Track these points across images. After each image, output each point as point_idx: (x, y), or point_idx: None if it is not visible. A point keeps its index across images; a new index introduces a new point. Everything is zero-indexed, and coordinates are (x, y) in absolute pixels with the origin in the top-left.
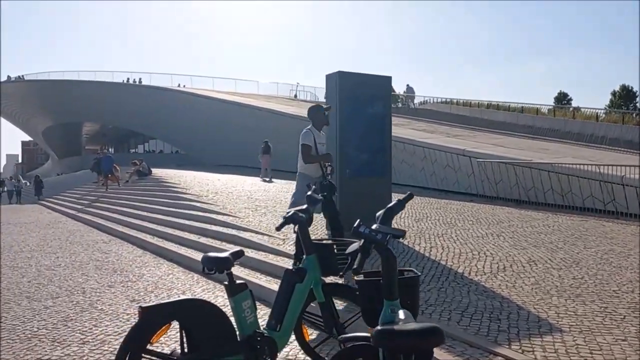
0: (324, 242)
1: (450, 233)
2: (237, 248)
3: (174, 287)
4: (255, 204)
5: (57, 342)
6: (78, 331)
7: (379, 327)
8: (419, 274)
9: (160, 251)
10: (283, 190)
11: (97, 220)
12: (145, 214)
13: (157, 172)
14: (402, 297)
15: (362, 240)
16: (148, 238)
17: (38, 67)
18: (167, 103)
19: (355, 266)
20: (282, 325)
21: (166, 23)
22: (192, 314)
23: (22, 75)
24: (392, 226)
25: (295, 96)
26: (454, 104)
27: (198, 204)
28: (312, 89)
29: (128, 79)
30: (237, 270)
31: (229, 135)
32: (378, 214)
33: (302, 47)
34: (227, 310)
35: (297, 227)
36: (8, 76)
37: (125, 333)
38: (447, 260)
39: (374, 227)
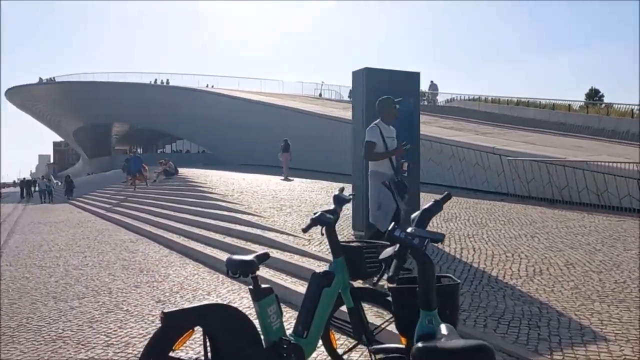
0: (353, 244)
1: (482, 234)
2: (263, 251)
3: (199, 288)
4: (280, 203)
5: (82, 345)
6: (103, 333)
7: (419, 344)
8: (458, 281)
9: (186, 251)
10: (308, 189)
11: (125, 219)
12: (172, 213)
13: (183, 171)
14: (440, 306)
15: (397, 245)
16: (174, 237)
17: (69, 69)
18: (194, 103)
19: (390, 273)
20: (310, 331)
21: (192, 24)
22: (216, 320)
23: (54, 77)
24: (428, 229)
25: (320, 95)
26: (481, 101)
27: (223, 204)
28: (337, 87)
29: (156, 80)
30: (261, 271)
31: (255, 134)
32: (413, 216)
33: (327, 46)
34: (251, 313)
35: (324, 228)
36: (40, 78)
37: (149, 338)
38: (479, 262)
39: (409, 230)
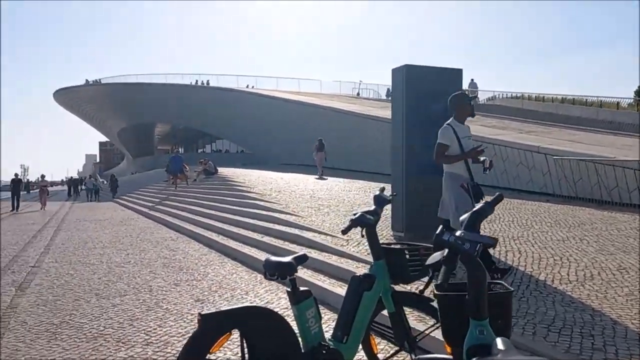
0: (394, 246)
1: (527, 236)
2: (301, 252)
3: (237, 287)
4: (318, 203)
5: (122, 343)
6: (143, 331)
7: None
8: (511, 289)
9: (225, 250)
10: (346, 189)
11: (166, 217)
12: (211, 212)
13: (223, 171)
14: (491, 316)
15: (446, 250)
16: (213, 236)
17: (114, 71)
18: (233, 103)
19: (439, 280)
20: (349, 336)
21: (232, 25)
22: (254, 323)
23: (99, 79)
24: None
25: (358, 94)
26: (525, 99)
27: (262, 203)
28: (375, 87)
29: (197, 81)
30: (299, 271)
31: (292, 134)
32: (462, 218)
33: (365, 45)
34: (289, 314)
35: (364, 230)
36: (86, 80)
37: (187, 338)
38: (525, 266)
39: (458, 233)
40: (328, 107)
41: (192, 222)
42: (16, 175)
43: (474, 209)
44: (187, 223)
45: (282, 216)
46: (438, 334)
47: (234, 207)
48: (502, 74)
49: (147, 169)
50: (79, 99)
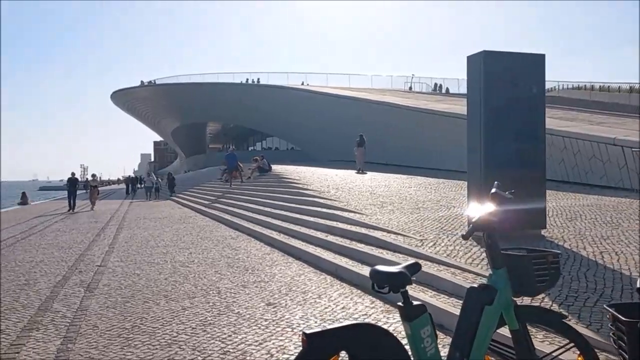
0: (515, 252)
1: (618, 235)
2: (412, 260)
3: (308, 290)
4: (379, 200)
5: (198, 351)
6: (217, 338)
7: None
8: None
9: (288, 249)
10: (405, 185)
11: (223, 215)
12: (269, 209)
13: (275, 168)
14: None
15: None
16: (274, 235)
17: (169, 71)
18: (283, 101)
19: None
20: (469, 358)
21: (282, 23)
22: (364, 343)
23: (154, 80)
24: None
25: (410, 88)
26: (589, 90)
27: (321, 200)
28: (429, 80)
29: (247, 79)
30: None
31: (343, 130)
32: None
33: (416, 40)
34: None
35: (485, 234)
36: (141, 81)
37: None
38: (629, 269)
39: None
40: (379, 101)
41: (251, 220)
42: (72, 174)
43: None
44: (245, 221)
45: (344, 214)
46: (569, 355)
47: (293, 205)
48: (554, 67)
49: (199, 167)
50: (135, 100)
